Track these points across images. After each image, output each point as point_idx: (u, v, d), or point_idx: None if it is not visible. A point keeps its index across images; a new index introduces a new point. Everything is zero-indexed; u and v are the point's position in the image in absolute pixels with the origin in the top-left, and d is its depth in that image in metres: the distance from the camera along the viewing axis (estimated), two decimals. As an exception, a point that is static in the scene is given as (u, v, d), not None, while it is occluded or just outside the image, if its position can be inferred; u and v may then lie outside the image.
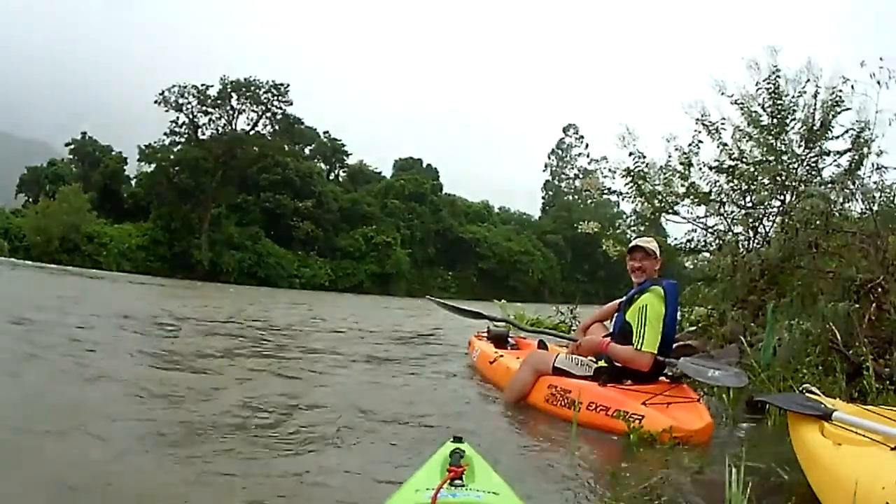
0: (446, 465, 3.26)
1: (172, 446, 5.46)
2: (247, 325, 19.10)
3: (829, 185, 11.11)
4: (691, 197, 13.01)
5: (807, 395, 4.99)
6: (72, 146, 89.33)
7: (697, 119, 12.93)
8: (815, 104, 11.88)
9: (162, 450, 5.34)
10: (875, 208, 9.74)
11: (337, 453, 5.80)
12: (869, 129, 11.15)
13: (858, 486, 3.18)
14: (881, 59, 9.89)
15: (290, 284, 75.14)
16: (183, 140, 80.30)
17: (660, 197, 13.47)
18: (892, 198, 9.94)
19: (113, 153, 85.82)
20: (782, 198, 11.91)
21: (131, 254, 71.06)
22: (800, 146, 12.07)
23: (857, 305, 8.23)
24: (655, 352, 7.27)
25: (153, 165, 79.89)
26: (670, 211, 13.45)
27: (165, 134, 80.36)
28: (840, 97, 11.59)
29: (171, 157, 78.97)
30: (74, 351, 9.57)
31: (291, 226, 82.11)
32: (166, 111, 79.75)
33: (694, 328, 12.18)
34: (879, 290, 8.29)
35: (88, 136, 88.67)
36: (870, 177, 10.70)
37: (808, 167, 11.98)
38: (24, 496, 4.19)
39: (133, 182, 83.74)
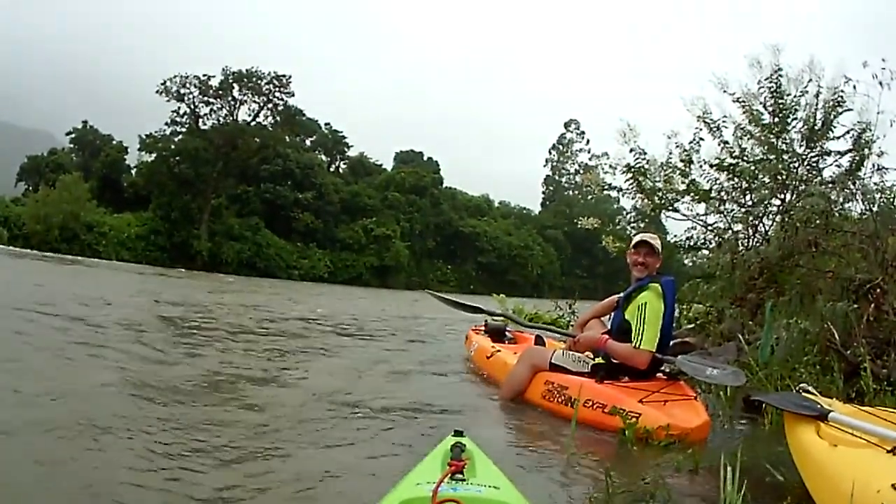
0: (447, 459, 3.26)
1: (165, 439, 5.45)
2: (245, 315, 19.12)
3: (830, 185, 11.11)
4: (691, 194, 13.01)
5: (803, 394, 4.99)
6: (72, 135, 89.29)
7: (699, 116, 12.94)
8: (817, 103, 11.86)
9: (153, 440, 5.36)
10: (875, 209, 9.73)
11: (334, 448, 5.80)
12: (870, 130, 11.15)
13: (854, 488, 3.16)
14: (883, 59, 9.89)
15: (288, 276, 75.06)
16: (184, 130, 79.99)
17: (660, 194, 13.47)
18: (892, 199, 9.94)
19: (114, 142, 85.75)
20: (782, 197, 11.91)
21: (131, 243, 70.65)
22: (801, 145, 12.08)
23: (855, 306, 8.23)
24: (654, 350, 7.26)
25: (154, 155, 79.58)
26: (670, 208, 13.45)
27: (167, 124, 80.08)
28: (842, 97, 11.57)
29: (172, 146, 78.77)
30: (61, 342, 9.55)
31: (291, 217, 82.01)
32: (168, 101, 79.62)
33: (692, 325, 12.23)
34: (878, 290, 8.29)
35: (90, 126, 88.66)
36: (870, 177, 10.73)
37: (808, 167, 11.99)
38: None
39: (133, 171, 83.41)
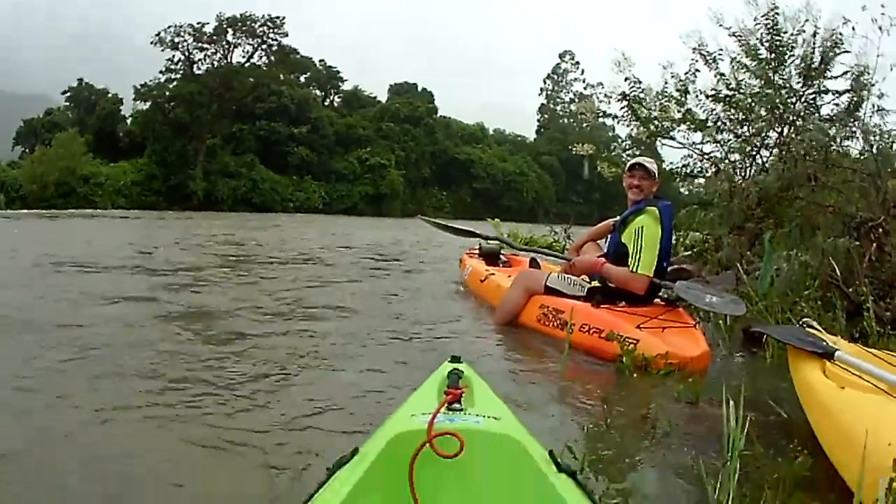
0: (443, 387, 3.11)
1: (161, 373, 5.51)
2: (239, 248, 19.16)
3: (829, 122, 11.05)
4: (687, 123, 12.94)
5: (807, 329, 4.90)
6: (68, 93, 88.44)
7: (694, 48, 12.80)
8: (815, 42, 11.78)
9: (155, 367, 5.49)
10: (875, 149, 9.67)
11: (328, 376, 5.86)
12: (868, 72, 11.05)
13: (861, 434, 3.06)
14: (882, 5, 9.81)
15: (284, 209, 75.00)
16: (178, 77, 79.92)
17: (655, 122, 13.40)
18: (892, 141, 9.88)
19: (109, 95, 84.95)
20: (780, 129, 11.83)
21: (126, 190, 70.19)
22: (798, 82, 11.97)
23: (857, 243, 8.15)
24: (651, 275, 7.21)
25: (149, 103, 79.21)
26: (666, 136, 13.40)
27: (161, 72, 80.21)
28: (840, 38, 11.50)
29: (167, 93, 78.51)
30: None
31: (286, 152, 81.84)
32: (162, 51, 79.99)
33: (689, 252, 12.17)
34: (880, 230, 8.20)
35: (85, 83, 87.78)
36: (870, 117, 10.66)
37: (806, 103, 11.88)
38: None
39: (129, 121, 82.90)
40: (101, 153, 74.46)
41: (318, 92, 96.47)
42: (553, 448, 2.58)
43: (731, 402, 3.74)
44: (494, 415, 2.86)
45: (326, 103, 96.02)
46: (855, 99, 11.30)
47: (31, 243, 19.25)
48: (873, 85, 10.92)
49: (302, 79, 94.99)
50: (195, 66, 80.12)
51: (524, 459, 2.55)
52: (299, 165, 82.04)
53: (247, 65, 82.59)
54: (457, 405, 2.88)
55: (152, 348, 6.37)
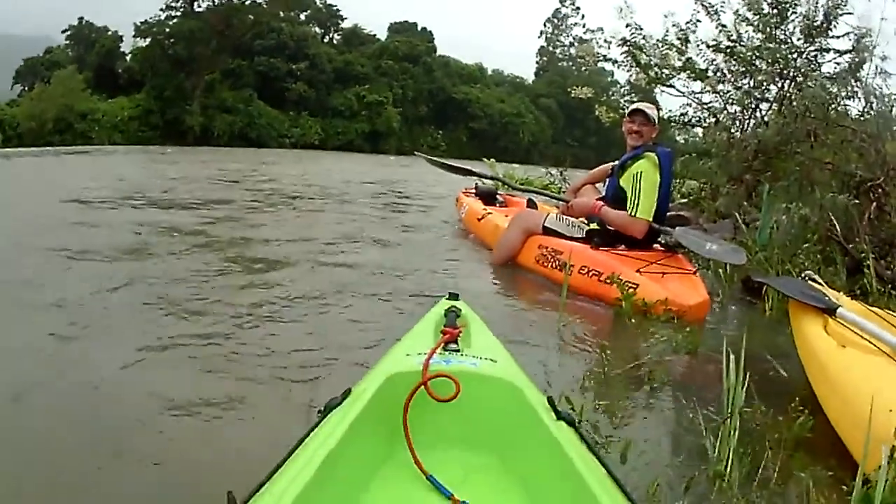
0: (440, 326, 3.10)
1: (163, 314, 5.45)
2: (233, 181, 19.15)
3: (830, 80, 10.99)
4: (687, 72, 12.88)
5: (809, 282, 4.86)
6: (68, 32, 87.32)
7: (696, -1, 12.68)
8: (817, 1, 11.66)
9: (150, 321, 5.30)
10: (875, 111, 9.60)
11: (319, 313, 5.83)
12: (871, 35, 10.97)
13: (865, 399, 3.01)
14: None
15: (280, 144, 74.67)
16: (179, 14, 78.65)
17: (655, 69, 13.32)
18: (893, 104, 9.81)
19: (109, 33, 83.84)
20: (780, 84, 11.79)
21: (123, 126, 68.76)
22: (799, 39, 11.87)
23: (856, 201, 8.15)
24: (650, 219, 7.18)
25: (148, 40, 78.07)
26: (665, 83, 13.32)
27: (161, 10, 78.64)
28: None
29: (167, 30, 77.43)
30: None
31: (284, 87, 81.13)
32: (163, -11, 78.68)
33: (685, 200, 12.16)
34: (880, 190, 8.18)
35: (85, 21, 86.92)
36: (872, 79, 10.60)
37: (807, 60, 11.79)
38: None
39: (128, 58, 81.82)
40: (100, 90, 73.55)
41: (317, 29, 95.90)
42: (551, 394, 2.53)
43: (732, 357, 3.69)
44: (492, 357, 2.79)
45: (326, 40, 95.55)
46: (856, 59, 11.18)
47: (43, 182, 18.92)
48: (875, 47, 10.85)
49: (302, 16, 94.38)
50: (195, 3, 79.26)
51: (522, 405, 2.50)
52: (297, 101, 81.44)
53: (247, 2, 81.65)
54: (453, 345, 2.84)
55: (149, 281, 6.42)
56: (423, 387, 2.37)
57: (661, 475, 3.13)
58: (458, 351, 2.80)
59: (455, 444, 2.55)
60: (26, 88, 76.78)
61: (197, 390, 3.95)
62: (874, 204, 8.06)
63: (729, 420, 3.37)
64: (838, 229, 7.94)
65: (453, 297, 3.54)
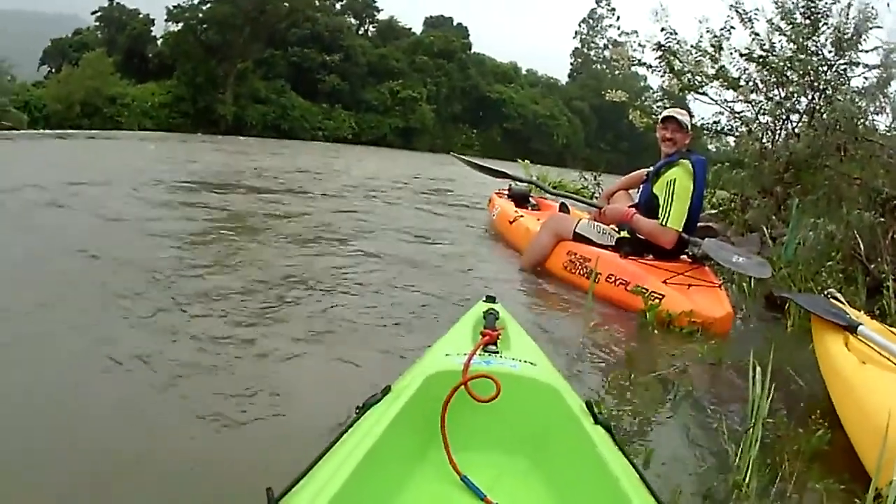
0: (479, 327, 3.09)
1: (186, 302, 5.52)
2: (265, 175, 19.14)
3: (859, 94, 10.98)
4: (720, 80, 12.86)
5: (831, 300, 4.90)
6: (98, 13, 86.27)
7: (731, 5, 12.68)
8: (849, 13, 11.57)
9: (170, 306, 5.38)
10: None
11: (355, 312, 5.81)
12: None
13: (883, 415, 3.08)
14: None
15: (313, 137, 74.15)
16: (212, -1, 78.41)
17: (689, 76, 13.35)
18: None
19: (140, 16, 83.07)
20: (811, 96, 11.77)
21: (154, 112, 68.52)
22: (830, 51, 11.83)
23: (882, 219, 8.13)
24: (681, 229, 7.16)
25: (181, 24, 77.70)
26: (698, 91, 13.33)
27: (194, -7, 78.50)
28: (874, 12, 11.34)
29: (200, 15, 77.06)
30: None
31: (318, 79, 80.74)
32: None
33: (715, 211, 12.17)
34: (905, 209, 8.16)
35: (116, 2, 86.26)
36: (900, 95, 10.58)
37: (836, 73, 11.74)
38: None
39: (159, 42, 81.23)
40: (130, 74, 73.16)
41: (352, 20, 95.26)
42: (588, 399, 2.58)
43: (759, 369, 3.77)
44: (531, 360, 2.84)
45: (360, 32, 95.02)
46: (885, 75, 11.16)
47: (72, 167, 18.85)
48: (904, 61, 10.80)
49: (337, 6, 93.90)
50: (229, -13, 78.74)
51: (561, 408, 2.56)
52: (330, 94, 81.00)
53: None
54: (493, 347, 2.87)
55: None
56: (463, 387, 2.43)
57: (682, 482, 3.23)
58: (497, 353, 2.83)
59: (491, 446, 2.61)
60: (53, 70, 76.37)
61: (234, 384, 4.01)
62: (898, 223, 8.07)
63: (752, 430, 3.45)
64: (862, 248, 7.94)
65: (490, 299, 3.55)
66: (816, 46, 11.72)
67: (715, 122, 13.26)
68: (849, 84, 11.49)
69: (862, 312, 5.05)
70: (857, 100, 10.46)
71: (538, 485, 2.47)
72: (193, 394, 3.84)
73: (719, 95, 13.13)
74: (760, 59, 12.23)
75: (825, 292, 5.22)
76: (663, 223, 7.14)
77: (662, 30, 13.29)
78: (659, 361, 5.24)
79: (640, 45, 14.05)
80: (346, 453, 2.03)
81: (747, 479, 3.25)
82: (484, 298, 3.58)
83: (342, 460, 1.98)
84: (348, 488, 1.87)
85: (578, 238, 7.95)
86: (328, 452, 2.12)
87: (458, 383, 2.45)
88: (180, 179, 15.29)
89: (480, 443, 2.60)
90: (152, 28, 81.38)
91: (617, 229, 7.87)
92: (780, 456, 3.53)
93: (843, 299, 4.97)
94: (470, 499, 2.29)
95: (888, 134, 9.91)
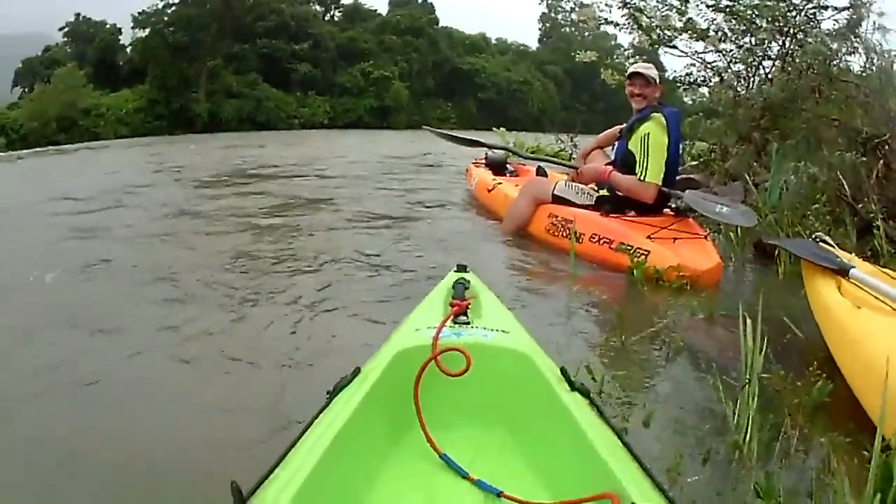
0: (450, 299, 3.08)
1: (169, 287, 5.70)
2: (241, 165, 19.16)
3: (830, 37, 10.91)
4: (689, 32, 12.77)
5: (820, 244, 4.82)
6: (66, 29, 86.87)
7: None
8: None
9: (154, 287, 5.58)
10: (877, 67, 9.53)
11: (327, 289, 5.85)
12: None
13: (882, 361, 2.97)
14: None
15: (289, 126, 74.37)
16: (177, 1, 78.11)
17: (657, 31, 13.24)
18: (893, 60, 9.74)
19: (107, 26, 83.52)
20: (782, 41, 11.66)
21: (128, 118, 68.46)
22: (797, -4, 11.73)
23: (864, 159, 8.03)
24: (660, 183, 7.12)
25: (148, 30, 77.62)
26: (668, 45, 13.25)
27: (159, -1, 78.61)
28: None
29: (165, 18, 77.18)
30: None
31: (289, 69, 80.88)
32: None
33: (695, 162, 12.12)
34: (886, 147, 8.04)
35: (82, 17, 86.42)
36: (871, 34, 10.52)
37: (806, 17, 11.64)
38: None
39: (128, 50, 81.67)
40: (102, 84, 73.37)
41: (318, 8, 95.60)
42: (565, 364, 2.49)
43: (749, 321, 3.67)
44: (503, 328, 2.79)
45: (327, 18, 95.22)
46: (854, 16, 11.07)
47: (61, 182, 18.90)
48: (873, 3, 10.72)
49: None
50: (193, -13, 78.89)
51: (535, 377, 2.48)
52: (303, 82, 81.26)
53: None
54: (463, 318, 2.83)
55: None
56: (433, 362, 2.36)
57: (681, 445, 3.14)
58: (467, 323, 2.78)
59: (468, 420, 2.54)
60: (26, 90, 76.58)
61: (205, 367, 4.08)
62: (881, 161, 7.91)
63: (747, 386, 3.34)
64: (847, 189, 7.84)
65: (461, 268, 3.51)
66: (783, -9, 11.62)
67: (687, 75, 13.20)
68: (819, 27, 11.41)
69: (853, 255, 4.97)
70: (828, 42, 10.37)
71: (518, 457, 2.41)
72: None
73: (689, 47, 13.07)
74: (727, 9, 12.12)
75: (814, 236, 5.11)
76: (641, 178, 7.09)
77: (626, -14, 13.20)
78: (650, 319, 5.13)
79: (606, 4, 13.97)
80: (317, 439, 1.96)
81: (747, 437, 3.14)
82: (454, 268, 3.53)
83: (312, 447, 1.91)
84: (321, 475, 1.80)
85: (558, 200, 7.91)
86: (299, 441, 2.03)
87: (428, 359, 2.38)
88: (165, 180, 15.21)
89: (458, 418, 2.54)
90: (120, 37, 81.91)
91: (596, 188, 7.82)
92: (780, 411, 3.43)
93: (832, 242, 4.89)
94: (452, 477, 2.23)
95: (863, 74, 9.82)
